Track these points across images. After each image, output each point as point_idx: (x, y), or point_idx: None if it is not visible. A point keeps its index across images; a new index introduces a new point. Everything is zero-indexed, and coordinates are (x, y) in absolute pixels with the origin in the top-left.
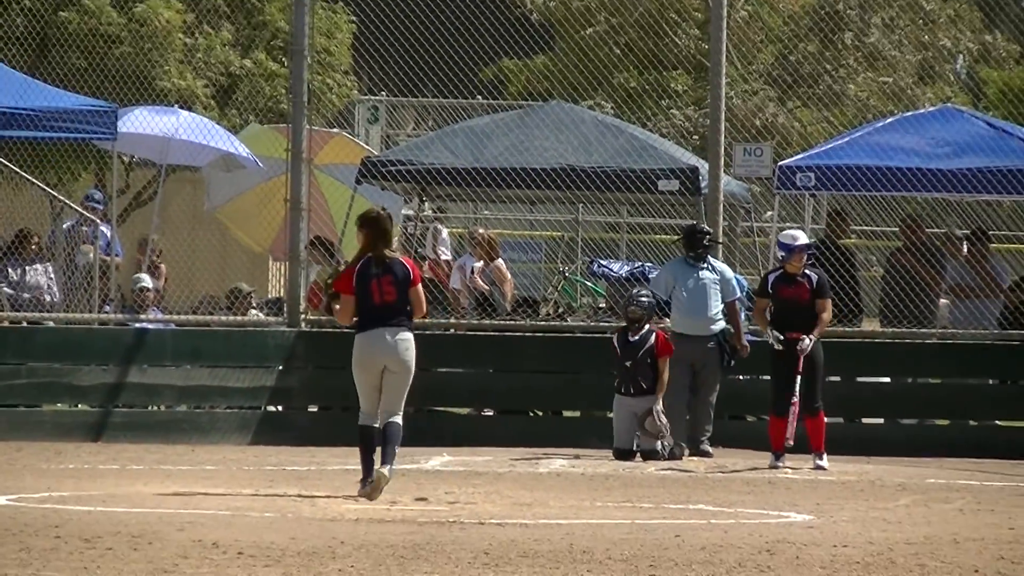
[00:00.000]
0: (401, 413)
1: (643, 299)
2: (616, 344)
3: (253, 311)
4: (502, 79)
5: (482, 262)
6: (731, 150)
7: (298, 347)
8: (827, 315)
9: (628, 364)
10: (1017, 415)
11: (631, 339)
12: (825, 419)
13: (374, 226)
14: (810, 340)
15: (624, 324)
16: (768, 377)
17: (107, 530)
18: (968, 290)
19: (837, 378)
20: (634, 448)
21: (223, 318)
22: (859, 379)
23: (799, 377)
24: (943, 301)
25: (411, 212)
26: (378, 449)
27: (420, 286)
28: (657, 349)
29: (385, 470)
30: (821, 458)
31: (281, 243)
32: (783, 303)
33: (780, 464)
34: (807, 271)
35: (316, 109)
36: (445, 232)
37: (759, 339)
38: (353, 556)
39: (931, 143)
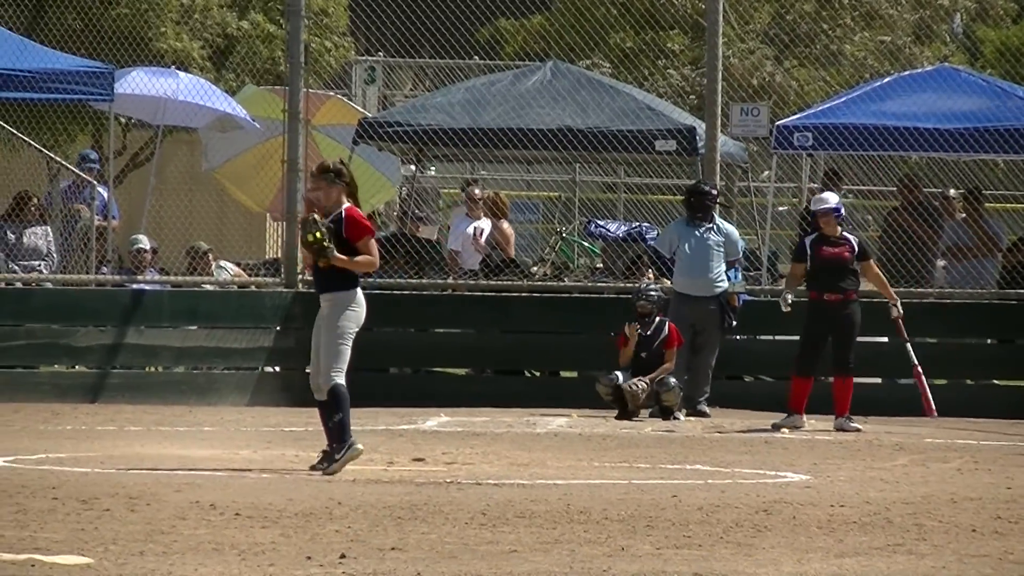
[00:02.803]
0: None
1: (652, 293)
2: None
3: (214, 266)
4: (499, 39)
5: (488, 222)
6: (728, 110)
7: (295, 307)
8: (879, 273)
9: (643, 355)
10: (1015, 375)
11: (645, 334)
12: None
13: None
14: (898, 310)
15: (635, 314)
16: (765, 337)
17: (104, 491)
18: (965, 250)
19: None
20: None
21: (218, 279)
22: (856, 339)
23: (835, 338)
24: (940, 262)
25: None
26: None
27: None
28: (667, 341)
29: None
30: (851, 420)
31: (279, 203)
32: (823, 263)
33: (802, 423)
34: (846, 234)
35: (313, 70)
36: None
37: (763, 299)
38: (350, 517)
39: (928, 102)
